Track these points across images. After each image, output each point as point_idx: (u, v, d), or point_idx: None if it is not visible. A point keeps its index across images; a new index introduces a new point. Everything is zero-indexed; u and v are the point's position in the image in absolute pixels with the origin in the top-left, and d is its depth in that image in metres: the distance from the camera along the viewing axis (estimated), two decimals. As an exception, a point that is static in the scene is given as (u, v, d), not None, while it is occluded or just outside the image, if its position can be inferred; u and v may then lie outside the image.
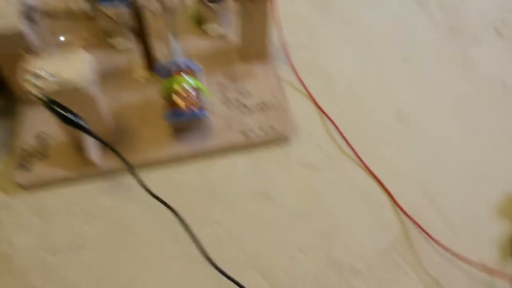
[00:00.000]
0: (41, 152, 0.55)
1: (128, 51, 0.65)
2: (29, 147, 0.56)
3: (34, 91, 0.45)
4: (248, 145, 0.58)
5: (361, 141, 0.58)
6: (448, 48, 0.66)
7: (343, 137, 0.58)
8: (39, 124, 0.58)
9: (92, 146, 0.53)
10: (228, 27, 0.68)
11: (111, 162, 0.54)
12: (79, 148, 0.53)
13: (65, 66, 0.46)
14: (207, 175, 0.55)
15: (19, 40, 0.51)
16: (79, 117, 0.47)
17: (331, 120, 0.60)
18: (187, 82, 0.53)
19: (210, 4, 0.65)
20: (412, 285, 0.47)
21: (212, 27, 0.67)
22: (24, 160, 0.55)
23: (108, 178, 0.55)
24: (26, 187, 0.54)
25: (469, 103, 0.60)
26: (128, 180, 0.53)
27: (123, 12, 0.59)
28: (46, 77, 0.45)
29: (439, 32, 0.69)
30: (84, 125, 0.47)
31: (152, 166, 0.55)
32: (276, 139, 0.59)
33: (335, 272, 0.48)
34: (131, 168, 0.51)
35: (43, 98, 0.45)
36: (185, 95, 0.52)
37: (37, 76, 0.45)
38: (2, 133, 0.59)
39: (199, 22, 0.68)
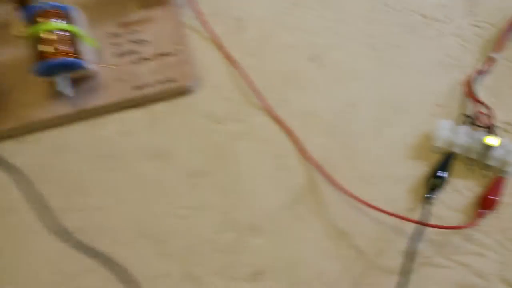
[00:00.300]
0: None
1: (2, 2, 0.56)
2: None
3: None
4: (144, 100, 0.52)
5: (272, 89, 0.52)
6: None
7: (251, 85, 0.52)
8: None
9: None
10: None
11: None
12: None
13: None
14: (96, 136, 0.49)
15: None
16: None
17: (239, 68, 0.54)
18: (57, 27, 0.46)
19: None
20: (315, 237, 0.42)
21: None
22: None
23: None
24: None
25: (387, 38, 0.54)
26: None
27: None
28: None
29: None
30: None
31: (30, 131, 0.48)
32: (177, 92, 0.52)
33: (233, 232, 0.43)
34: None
35: None
36: (55, 40, 0.45)
37: None
38: None
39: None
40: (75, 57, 0.46)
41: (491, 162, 0.42)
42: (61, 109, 0.49)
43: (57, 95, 0.49)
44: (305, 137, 0.47)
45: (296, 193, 0.44)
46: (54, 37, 0.45)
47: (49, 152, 0.47)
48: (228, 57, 0.55)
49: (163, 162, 0.47)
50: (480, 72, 0.50)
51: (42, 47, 0.45)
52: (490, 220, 0.41)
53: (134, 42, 0.55)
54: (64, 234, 0.43)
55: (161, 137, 0.49)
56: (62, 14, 0.47)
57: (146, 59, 0.54)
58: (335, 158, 0.46)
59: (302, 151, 0.47)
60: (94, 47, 0.50)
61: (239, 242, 0.42)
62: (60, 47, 0.45)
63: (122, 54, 0.54)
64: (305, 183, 0.45)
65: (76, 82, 0.50)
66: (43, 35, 0.45)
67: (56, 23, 0.46)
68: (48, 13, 0.46)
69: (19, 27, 0.54)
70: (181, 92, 0.52)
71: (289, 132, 0.48)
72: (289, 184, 0.45)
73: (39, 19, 0.46)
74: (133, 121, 0.50)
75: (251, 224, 0.43)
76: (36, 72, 0.46)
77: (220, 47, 0.56)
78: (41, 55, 0.45)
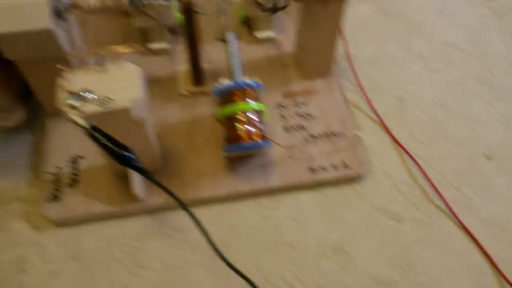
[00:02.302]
0: (75, 180, 0.47)
1: (168, 58, 0.55)
2: (60, 173, 0.47)
3: (75, 117, 0.35)
4: (317, 184, 0.49)
5: (448, 185, 0.48)
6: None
7: (425, 178, 0.49)
8: (71, 144, 0.49)
9: (138, 179, 0.44)
10: (282, 33, 0.58)
11: (158, 197, 0.45)
12: (122, 178, 0.45)
13: (111, 83, 0.37)
14: (269, 215, 0.47)
15: (49, 41, 0.41)
16: (130, 151, 0.37)
17: (411, 157, 0.51)
18: (251, 107, 0.45)
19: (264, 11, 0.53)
20: None
21: (265, 33, 0.57)
22: (55, 189, 0.46)
23: (153, 214, 0.46)
24: (58, 222, 0.46)
25: None
26: (177, 217, 0.45)
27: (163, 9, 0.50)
28: (89, 98, 0.36)
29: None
30: (136, 163, 0.37)
31: (205, 203, 0.47)
32: (348, 177, 0.49)
33: None
34: (185, 208, 0.41)
35: (87, 126, 0.35)
36: (248, 124, 0.44)
37: (79, 97, 0.36)
38: (25, 151, 0.50)
39: (249, 26, 0.58)
40: (264, 139, 0.45)
41: None
42: (236, 186, 0.47)
43: (230, 168, 0.47)
44: (496, 254, 0.44)
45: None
46: (248, 120, 0.44)
47: (222, 227, 0.46)
48: (395, 142, 0.52)
49: (343, 260, 0.44)
50: None
51: (239, 128, 0.44)
52: None
53: (301, 116, 0.53)
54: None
55: (336, 229, 0.46)
56: (252, 92, 0.46)
57: (315, 137, 0.51)
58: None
59: (498, 271, 0.43)
60: (268, 120, 0.49)
61: None
62: (254, 131, 0.44)
63: (289, 128, 0.52)
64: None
65: (246, 158, 0.48)
66: (239, 116, 0.44)
67: (252, 104, 0.45)
68: (243, 92, 0.45)
69: (185, 86, 0.53)
70: (352, 178, 0.49)
71: (480, 247, 0.45)
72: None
73: (235, 98, 0.44)
74: (305, 206, 0.47)
75: None
76: (228, 151, 0.45)
77: (386, 129, 0.53)
78: (236, 136, 0.44)
